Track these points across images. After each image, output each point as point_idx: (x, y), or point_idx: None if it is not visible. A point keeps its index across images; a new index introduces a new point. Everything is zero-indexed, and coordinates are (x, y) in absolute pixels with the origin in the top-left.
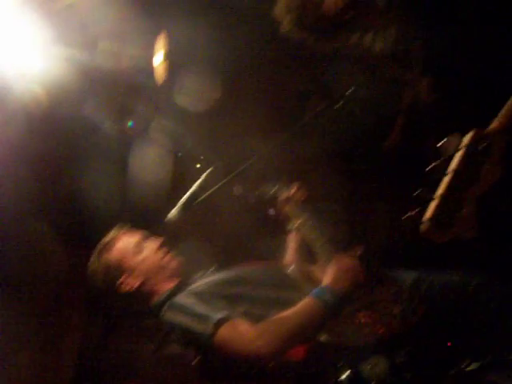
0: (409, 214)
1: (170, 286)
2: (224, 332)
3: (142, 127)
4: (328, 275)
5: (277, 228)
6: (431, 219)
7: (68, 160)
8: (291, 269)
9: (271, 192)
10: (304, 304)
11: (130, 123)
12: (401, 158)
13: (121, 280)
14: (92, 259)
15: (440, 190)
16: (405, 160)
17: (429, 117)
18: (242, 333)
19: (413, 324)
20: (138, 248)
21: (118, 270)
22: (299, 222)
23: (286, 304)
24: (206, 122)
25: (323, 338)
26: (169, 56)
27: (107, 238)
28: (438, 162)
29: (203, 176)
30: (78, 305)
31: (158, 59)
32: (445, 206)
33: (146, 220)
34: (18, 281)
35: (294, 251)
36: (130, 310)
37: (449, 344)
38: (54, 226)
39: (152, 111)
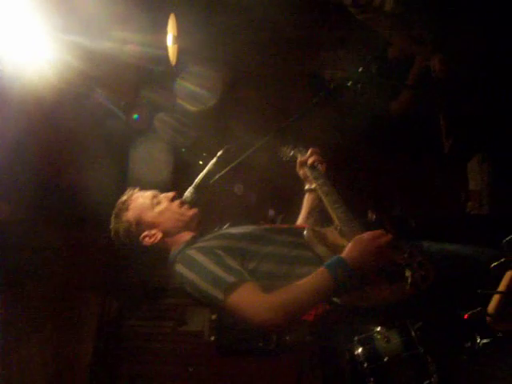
0: (473, 311)
1: (187, 238)
2: (235, 298)
3: (147, 120)
4: (351, 247)
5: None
6: (495, 314)
7: (69, 156)
8: (305, 230)
9: (290, 154)
10: (316, 275)
11: (135, 116)
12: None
13: (143, 234)
14: (112, 220)
15: (502, 286)
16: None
17: (439, 92)
18: (252, 301)
19: (423, 290)
20: (155, 201)
21: (139, 224)
22: (315, 185)
23: (297, 262)
24: (209, 116)
25: (334, 299)
26: (178, 39)
27: (123, 198)
28: (504, 259)
29: (216, 157)
30: (95, 287)
31: (169, 42)
32: (507, 301)
33: None
34: (30, 268)
35: (307, 211)
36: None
37: (465, 317)
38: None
39: (158, 104)
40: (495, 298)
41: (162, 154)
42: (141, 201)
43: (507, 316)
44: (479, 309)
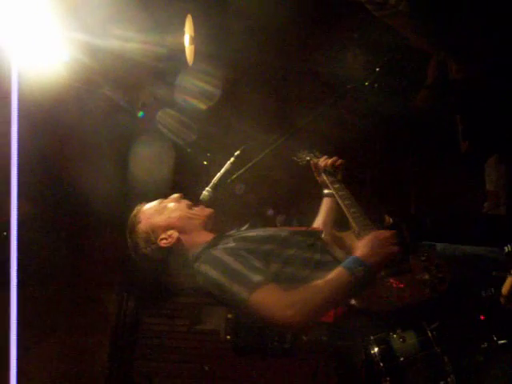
0: (487, 293)
1: (207, 238)
2: (259, 296)
3: (152, 118)
4: (361, 246)
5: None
6: (508, 295)
7: (70, 156)
8: (324, 233)
9: (307, 158)
10: (335, 274)
11: (140, 113)
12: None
13: (160, 237)
14: (128, 237)
15: None
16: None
17: (456, 92)
18: (275, 300)
19: (441, 292)
20: (162, 205)
21: (154, 231)
22: (332, 189)
23: (318, 266)
24: (214, 116)
25: (353, 302)
26: (195, 40)
27: (132, 214)
28: None
29: (233, 156)
30: (112, 286)
31: (186, 42)
32: None
33: None
34: (47, 266)
35: (325, 216)
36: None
37: (482, 318)
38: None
39: (163, 103)
40: (509, 280)
41: (166, 153)
42: (149, 210)
43: None
44: (493, 290)
